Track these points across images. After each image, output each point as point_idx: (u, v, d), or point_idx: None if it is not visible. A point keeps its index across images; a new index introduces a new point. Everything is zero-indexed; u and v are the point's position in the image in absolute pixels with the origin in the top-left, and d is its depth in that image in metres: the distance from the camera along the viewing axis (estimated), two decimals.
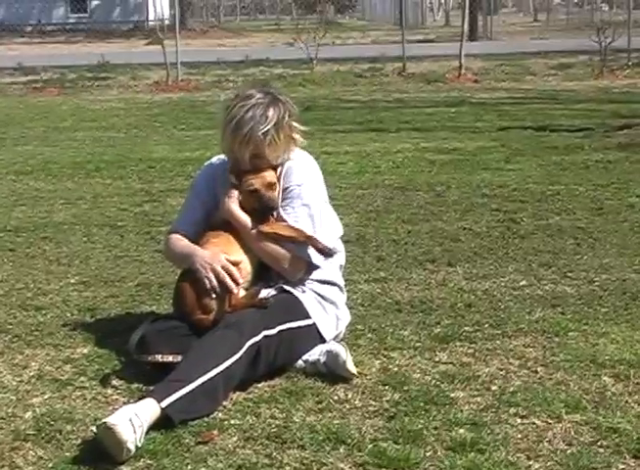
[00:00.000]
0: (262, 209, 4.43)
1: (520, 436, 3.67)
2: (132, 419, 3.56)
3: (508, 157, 10.06)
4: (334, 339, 4.49)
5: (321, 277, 4.51)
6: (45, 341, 4.80)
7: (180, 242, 4.55)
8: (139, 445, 3.56)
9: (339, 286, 4.61)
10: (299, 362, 4.31)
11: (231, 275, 4.30)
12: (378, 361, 4.45)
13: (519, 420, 3.80)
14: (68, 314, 5.23)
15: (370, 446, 3.60)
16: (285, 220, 4.43)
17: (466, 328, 4.84)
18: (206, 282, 4.26)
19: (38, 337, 4.86)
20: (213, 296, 4.25)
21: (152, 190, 8.79)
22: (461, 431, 3.70)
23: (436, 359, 4.45)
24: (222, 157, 4.70)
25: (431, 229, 6.97)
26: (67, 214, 7.84)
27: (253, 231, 4.39)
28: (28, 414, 3.95)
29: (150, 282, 5.78)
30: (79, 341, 4.79)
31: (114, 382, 4.25)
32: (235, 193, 4.43)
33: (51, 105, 17.48)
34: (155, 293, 5.55)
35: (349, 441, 3.64)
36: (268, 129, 4.41)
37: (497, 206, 7.69)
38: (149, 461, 3.53)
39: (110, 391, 4.18)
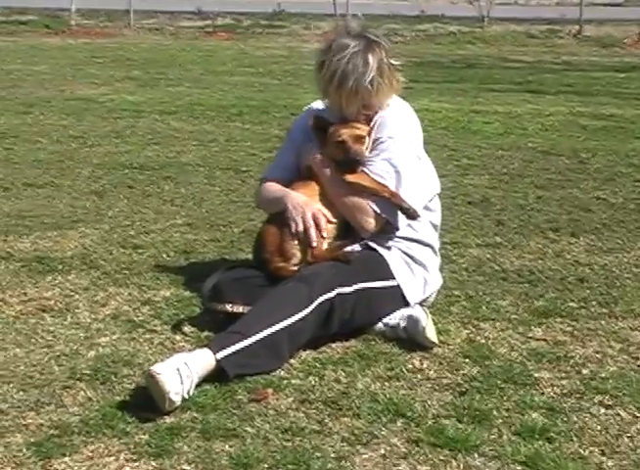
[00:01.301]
0: (348, 161, 4.16)
1: (599, 427, 3.30)
2: (180, 369, 3.38)
3: None
4: (420, 304, 4.19)
5: (412, 236, 4.22)
6: (132, 280, 4.69)
7: (272, 187, 4.33)
8: (186, 396, 3.39)
9: (431, 247, 4.31)
10: (379, 325, 4.04)
11: (318, 226, 4.06)
12: (466, 331, 4.13)
13: (602, 410, 3.43)
14: (164, 255, 5.11)
15: (430, 422, 3.31)
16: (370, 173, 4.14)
17: (571, 304, 4.46)
18: (292, 225, 4.05)
19: (126, 276, 4.76)
20: (296, 242, 4.02)
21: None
22: (534, 415, 3.37)
23: (530, 335, 4.11)
24: (320, 104, 4.45)
25: (563, 197, 6.53)
26: (195, 156, 7.76)
27: (334, 178, 4.13)
28: (91, 353, 3.84)
29: (255, 229, 5.49)
30: (165, 283, 4.66)
31: (186, 328, 4.09)
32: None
33: (216, 49, 17.58)
34: None
35: (410, 414, 3.36)
36: (373, 77, 4.13)
37: None
38: (195, 414, 3.35)
39: (179, 337, 4.02)
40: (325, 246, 4.09)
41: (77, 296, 4.48)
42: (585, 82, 13.09)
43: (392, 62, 4.23)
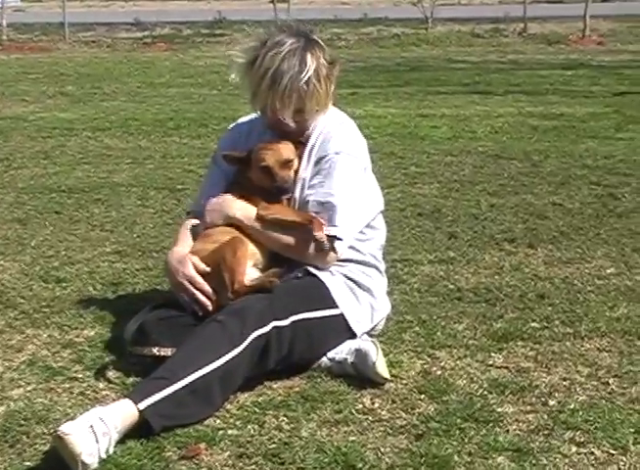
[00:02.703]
0: (274, 188, 3.77)
1: None
2: (94, 425, 2.96)
3: (620, 124, 9.16)
4: (369, 333, 3.81)
5: (355, 257, 3.84)
6: (52, 320, 4.26)
7: (182, 229, 3.99)
8: (104, 455, 2.98)
9: (377, 269, 3.93)
10: (325, 360, 3.65)
11: (194, 284, 3.67)
12: (420, 362, 3.76)
13: (574, 448, 3.07)
14: (90, 288, 4.69)
15: None
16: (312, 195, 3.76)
17: (532, 325, 4.11)
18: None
19: (46, 314, 4.33)
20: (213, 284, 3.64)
21: None
22: (500, 459, 3.00)
23: (490, 362, 3.74)
24: (250, 116, 4.06)
25: (517, 203, 6.19)
26: (128, 175, 7.32)
27: (253, 220, 3.75)
28: (1, 410, 3.41)
29: None
30: (89, 321, 4.23)
31: (110, 374, 3.67)
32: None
33: (154, 60, 17.13)
34: None
35: (360, 465, 2.98)
36: (310, 78, 3.74)
37: (597, 179, 6.86)
38: None
39: (102, 384, 3.61)
40: (256, 274, 3.69)
41: None
42: (533, 81, 12.83)
43: (330, 61, 3.85)
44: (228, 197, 3.85)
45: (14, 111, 10.90)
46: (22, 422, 3.29)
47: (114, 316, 4.26)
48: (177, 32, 22.83)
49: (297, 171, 3.81)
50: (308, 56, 3.77)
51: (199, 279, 3.64)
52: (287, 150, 3.80)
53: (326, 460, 3.00)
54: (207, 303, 3.63)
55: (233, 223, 3.77)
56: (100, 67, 16.13)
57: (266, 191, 3.79)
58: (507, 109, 10.27)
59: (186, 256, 3.72)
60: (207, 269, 3.65)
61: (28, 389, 3.58)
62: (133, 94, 12.31)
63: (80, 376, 3.68)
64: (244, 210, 3.79)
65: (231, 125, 4.19)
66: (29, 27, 23.08)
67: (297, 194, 3.83)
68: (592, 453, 3.03)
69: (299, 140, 3.86)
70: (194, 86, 13.18)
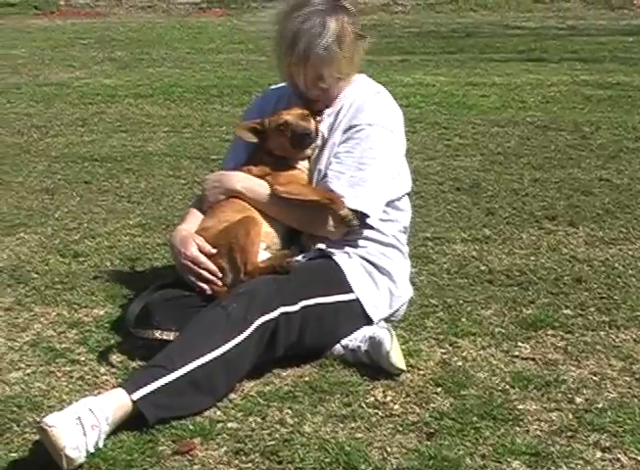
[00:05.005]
0: (297, 139, 3.55)
1: None
2: (82, 417, 2.78)
3: None
4: (388, 319, 3.59)
5: (377, 238, 3.60)
6: (62, 297, 4.10)
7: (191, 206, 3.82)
8: (92, 449, 2.80)
9: (400, 251, 3.69)
10: (338, 347, 3.44)
11: (199, 264, 3.48)
12: (441, 351, 3.53)
13: (598, 454, 2.82)
14: (108, 264, 4.52)
15: None
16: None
17: (565, 311, 3.85)
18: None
19: (57, 291, 4.17)
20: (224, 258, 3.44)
21: None
22: (515, 464, 2.77)
23: (515, 353, 3.50)
24: (282, 83, 3.84)
25: (561, 178, 5.90)
26: (163, 144, 7.14)
27: (267, 194, 3.54)
28: None
29: None
30: (100, 300, 4.06)
31: (114, 357, 3.50)
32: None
33: (207, 26, 16.92)
34: None
35: (362, 467, 2.77)
36: (329, 43, 3.50)
37: None
38: None
39: (104, 368, 3.44)
40: (264, 257, 3.48)
41: None
42: (591, 48, 12.40)
43: (359, 33, 3.60)
44: (227, 172, 3.65)
45: (60, 77, 10.78)
46: (15, 409, 3.13)
47: (126, 295, 4.09)
48: None
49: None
50: (331, 20, 3.53)
51: (202, 259, 3.44)
52: (303, 110, 3.58)
53: (327, 460, 2.79)
54: (215, 280, 3.43)
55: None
56: (152, 32, 15.96)
57: (284, 162, 3.57)
58: (561, 77, 9.90)
59: (190, 235, 3.53)
60: (213, 251, 3.45)
61: (28, 372, 3.43)
62: (181, 60, 12.12)
63: (83, 359, 3.52)
64: (245, 181, 3.58)
65: (260, 94, 3.97)
66: None
67: (323, 160, 3.60)
68: (618, 460, 2.79)
69: (319, 109, 3.64)
70: (243, 52, 12.97)
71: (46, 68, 11.55)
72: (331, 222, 3.49)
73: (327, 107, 3.68)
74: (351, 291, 3.45)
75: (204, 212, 3.68)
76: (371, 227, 3.56)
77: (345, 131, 3.60)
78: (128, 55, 12.76)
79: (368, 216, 3.49)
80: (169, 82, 10.10)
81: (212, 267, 3.44)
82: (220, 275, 3.45)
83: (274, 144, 3.59)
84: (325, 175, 3.57)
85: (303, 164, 3.65)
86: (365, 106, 3.62)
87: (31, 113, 8.53)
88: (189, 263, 3.46)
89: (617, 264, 4.38)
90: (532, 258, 4.50)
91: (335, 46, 3.52)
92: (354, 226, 3.44)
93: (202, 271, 3.44)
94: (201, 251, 3.46)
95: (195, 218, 3.67)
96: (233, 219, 3.53)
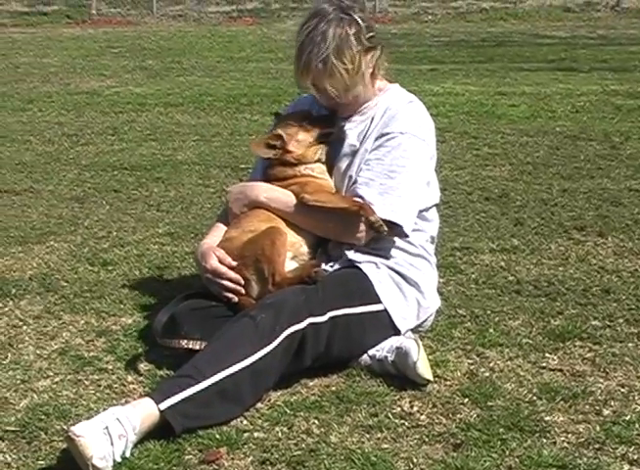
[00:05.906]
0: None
1: None
2: (110, 427, 2.80)
3: None
4: (415, 330, 3.59)
5: (405, 248, 3.59)
6: (91, 305, 4.12)
7: (220, 215, 3.84)
8: (119, 459, 2.82)
9: (428, 261, 3.68)
10: (365, 357, 3.44)
11: (220, 275, 3.50)
12: (468, 362, 3.52)
13: (626, 467, 2.81)
14: (136, 272, 4.54)
15: None
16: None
17: (593, 323, 3.83)
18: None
19: (87, 299, 4.20)
20: (251, 270, 3.45)
21: None
22: None
23: (543, 364, 3.48)
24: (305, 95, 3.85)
25: (591, 189, 5.87)
26: (193, 153, 7.19)
27: (293, 204, 3.55)
28: (23, 403, 3.27)
29: None
30: (128, 308, 4.09)
31: (142, 366, 3.52)
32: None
33: (238, 34, 17.02)
34: None
35: None
36: (327, 55, 3.47)
37: None
38: None
39: (131, 377, 3.45)
40: (293, 265, 3.49)
41: (25, 327, 3.92)
42: (622, 57, 12.36)
43: (366, 43, 3.56)
44: (250, 183, 3.67)
45: (91, 85, 10.88)
46: (43, 417, 3.15)
47: (154, 303, 4.11)
48: (265, 6, 22.67)
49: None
50: (330, 30, 3.49)
51: (223, 269, 3.46)
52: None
53: None
54: (238, 288, 3.45)
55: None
56: (183, 41, 16.07)
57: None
58: (591, 87, 9.87)
59: (210, 248, 3.55)
60: (233, 263, 3.46)
61: (56, 380, 3.45)
62: (211, 68, 12.20)
63: (110, 367, 3.54)
64: (269, 191, 3.59)
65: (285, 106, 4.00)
66: (119, 1, 23.15)
67: (354, 167, 3.61)
68: None
69: (346, 115, 3.64)
70: (273, 61, 13.02)
71: (77, 76, 11.65)
72: (359, 229, 3.49)
73: (352, 113, 3.68)
74: (379, 302, 3.45)
75: (228, 225, 3.69)
76: (399, 237, 3.56)
77: (377, 139, 3.59)
78: (159, 63, 12.85)
79: (399, 226, 3.48)
80: (199, 91, 10.16)
81: (234, 276, 3.45)
82: (243, 283, 3.46)
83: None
84: (355, 181, 3.57)
85: (319, 166, 3.66)
86: (398, 114, 3.62)
87: (62, 121, 8.61)
88: (210, 276, 3.48)
89: None
90: (561, 268, 4.48)
91: (333, 58, 3.48)
92: (383, 232, 3.43)
93: (224, 282, 3.46)
94: (221, 262, 3.48)
95: (218, 231, 3.69)
96: (258, 229, 3.54)
